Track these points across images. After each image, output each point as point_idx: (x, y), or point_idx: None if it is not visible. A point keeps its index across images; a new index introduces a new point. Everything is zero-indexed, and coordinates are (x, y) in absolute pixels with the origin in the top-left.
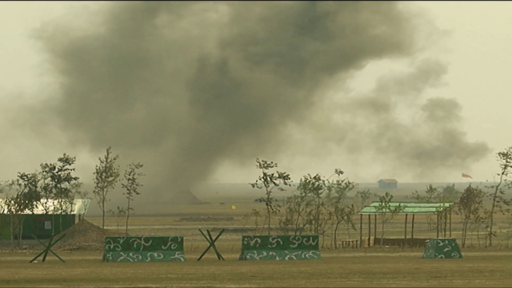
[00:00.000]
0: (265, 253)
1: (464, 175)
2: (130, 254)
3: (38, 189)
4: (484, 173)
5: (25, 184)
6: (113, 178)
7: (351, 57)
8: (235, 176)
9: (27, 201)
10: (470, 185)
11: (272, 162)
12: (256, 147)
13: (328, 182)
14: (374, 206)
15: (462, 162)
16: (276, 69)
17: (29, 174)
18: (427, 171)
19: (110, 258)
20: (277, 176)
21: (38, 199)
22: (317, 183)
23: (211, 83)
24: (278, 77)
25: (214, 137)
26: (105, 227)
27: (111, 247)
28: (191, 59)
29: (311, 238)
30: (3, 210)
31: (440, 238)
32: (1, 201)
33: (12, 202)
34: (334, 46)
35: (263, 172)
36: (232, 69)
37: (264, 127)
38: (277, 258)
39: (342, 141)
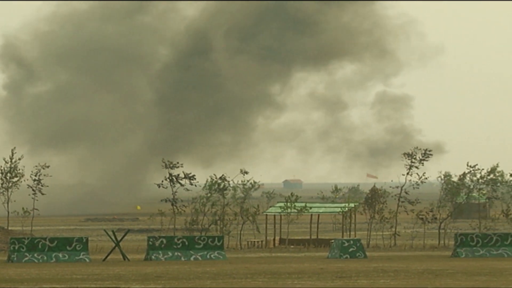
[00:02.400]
0: (170, 254)
1: (369, 176)
2: (35, 254)
3: None
4: (389, 173)
5: None
6: (18, 178)
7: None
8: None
9: None
10: (374, 186)
11: (178, 162)
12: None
13: (233, 182)
14: (279, 207)
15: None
16: (236, 65)
17: None
18: (380, 170)
19: (15, 258)
20: (183, 176)
21: None
22: (222, 183)
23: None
24: (240, 74)
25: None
26: (10, 228)
27: (16, 247)
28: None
29: (216, 238)
30: None
31: (345, 238)
32: None
33: None
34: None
35: (168, 173)
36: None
37: (213, 127)
38: (183, 259)
39: (293, 140)
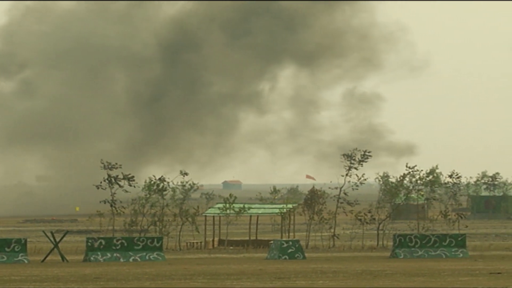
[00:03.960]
0: (109, 255)
1: (307, 177)
2: None
3: None
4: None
5: None
6: None
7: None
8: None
9: None
10: (313, 187)
11: (116, 163)
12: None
13: (173, 183)
14: (218, 208)
15: (387, 160)
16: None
17: None
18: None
19: None
20: (122, 177)
21: None
22: (161, 184)
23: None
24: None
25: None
26: None
27: None
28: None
29: (155, 239)
30: None
31: (284, 239)
32: None
33: None
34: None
35: (107, 174)
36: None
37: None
38: (122, 260)
39: (261, 141)
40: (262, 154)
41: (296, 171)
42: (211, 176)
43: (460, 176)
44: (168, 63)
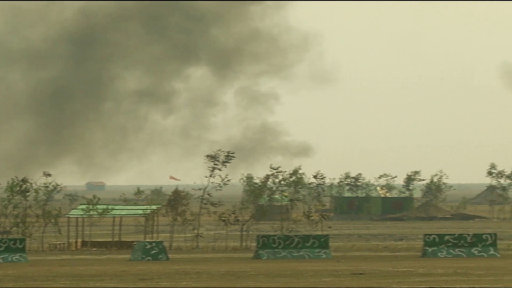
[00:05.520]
0: None
1: (171, 178)
2: None
3: None
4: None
5: None
6: None
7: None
8: None
9: None
10: (177, 188)
11: None
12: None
13: (36, 184)
14: (82, 209)
15: (283, 160)
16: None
17: None
18: (241, 170)
19: None
20: None
21: None
22: (24, 185)
23: None
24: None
25: None
26: None
27: None
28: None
29: (18, 241)
30: None
31: (147, 240)
32: None
33: None
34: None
35: None
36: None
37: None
38: None
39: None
40: (158, 155)
41: (185, 173)
42: (110, 177)
43: (324, 177)
44: (74, 59)
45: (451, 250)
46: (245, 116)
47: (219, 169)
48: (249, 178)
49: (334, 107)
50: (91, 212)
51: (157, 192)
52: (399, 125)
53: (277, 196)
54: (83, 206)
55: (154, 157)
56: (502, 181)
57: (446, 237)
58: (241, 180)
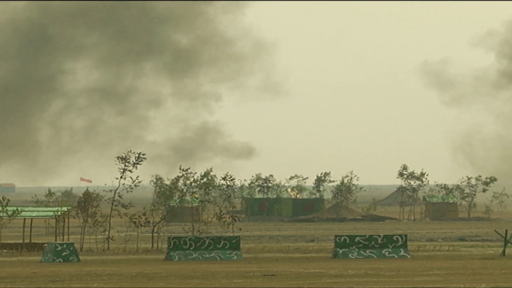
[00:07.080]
0: None
1: (82, 179)
2: None
3: None
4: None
5: None
6: None
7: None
8: None
9: None
10: (87, 189)
11: None
12: None
13: None
14: None
15: (223, 161)
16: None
17: None
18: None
19: None
20: None
21: None
22: None
23: None
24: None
25: None
26: None
27: None
28: None
29: None
30: None
31: (58, 242)
32: None
33: None
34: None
35: None
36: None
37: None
38: None
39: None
40: (92, 156)
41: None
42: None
43: (234, 179)
44: (20, 59)
45: (362, 251)
46: (186, 117)
47: (130, 171)
48: (159, 179)
49: None
50: (1, 214)
51: (67, 193)
52: (310, 126)
53: (187, 197)
54: None
55: (89, 158)
56: (412, 182)
57: (357, 239)
58: (151, 182)
